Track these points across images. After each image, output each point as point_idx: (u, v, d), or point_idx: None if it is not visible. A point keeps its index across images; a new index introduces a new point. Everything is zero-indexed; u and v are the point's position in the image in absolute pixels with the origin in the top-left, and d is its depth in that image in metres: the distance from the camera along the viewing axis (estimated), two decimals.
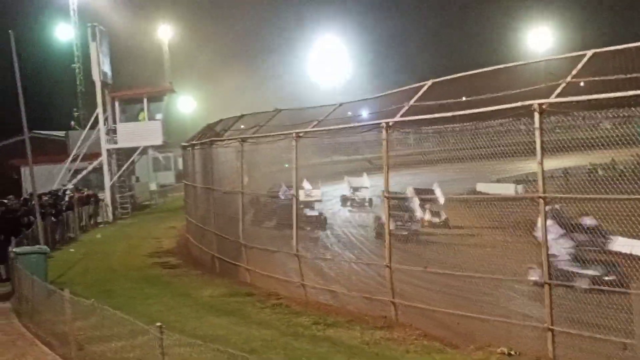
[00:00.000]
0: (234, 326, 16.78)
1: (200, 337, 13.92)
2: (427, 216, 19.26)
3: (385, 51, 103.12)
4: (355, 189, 28.62)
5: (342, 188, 29.29)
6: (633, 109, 12.26)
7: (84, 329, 14.70)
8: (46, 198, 35.58)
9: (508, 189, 20.99)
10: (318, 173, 25.78)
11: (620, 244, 15.29)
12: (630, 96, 11.76)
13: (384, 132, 16.78)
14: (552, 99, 13.08)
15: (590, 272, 14.48)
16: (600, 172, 18.50)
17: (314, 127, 20.08)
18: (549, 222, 14.51)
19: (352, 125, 20.22)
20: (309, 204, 24.98)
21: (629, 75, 12.39)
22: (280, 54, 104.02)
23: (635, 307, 12.01)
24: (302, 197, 23.35)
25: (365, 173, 27.20)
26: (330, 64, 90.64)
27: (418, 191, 20.57)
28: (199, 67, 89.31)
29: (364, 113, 22.01)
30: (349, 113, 22.62)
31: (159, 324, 10.90)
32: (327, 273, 20.45)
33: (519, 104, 13.48)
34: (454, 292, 15.55)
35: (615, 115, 12.74)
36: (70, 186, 45.85)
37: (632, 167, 13.93)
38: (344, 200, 30.48)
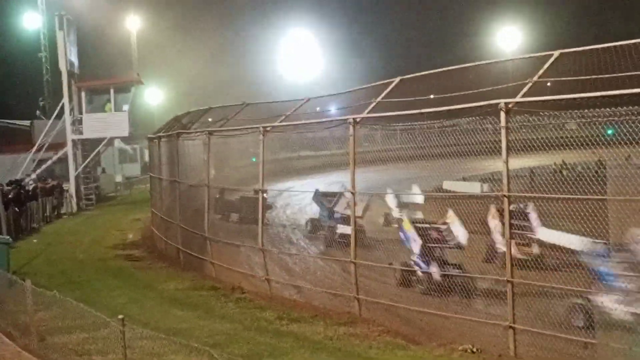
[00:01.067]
0: (198, 320, 16.72)
1: (164, 331, 13.91)
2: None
3: (356, 47, 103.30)
4: (404, 206, 21.81)
5: (310, 184, 29.14)
6: (598, 109, 12.35)
7: (46, 320, 14.59)
8: (9, 188, 35.22)
9: (474, 187, 21.10)
10: (286, 168, 25.61)
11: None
12: (596, 97, 11.88)
13: (351, 128, 16.79)
14: (519, 99, 13.18)
15: None
16: (564, 173, 18.74)
17: (281, 121, 20.07)
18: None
19: (319, 120, 20.21)
20: (345, 218, 20.80)
21: (594, 76, 12.51)
22: (250, 47, 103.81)
23: (595, 307, 12.18)
24: (341, 209, 22.20)
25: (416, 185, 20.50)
26: (300, 58, 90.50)
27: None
28: (168, 59, 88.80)
29: (333, 108, 22.00)
30: (318, 108, 22.60)
31: (121, 316, 10.85)
32: (292, 268, 20.47)
33: (485, 102, 13.57)
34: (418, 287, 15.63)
35: (581, 116, 12.84)
36: (33, 176, 45.41)
37: (594, 168, 14.09)
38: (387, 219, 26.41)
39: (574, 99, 12.28)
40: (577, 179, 13.27)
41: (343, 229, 20.35)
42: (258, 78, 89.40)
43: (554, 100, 12.79)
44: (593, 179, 12.91)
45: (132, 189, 60.75)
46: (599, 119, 12.48)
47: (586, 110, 12.55)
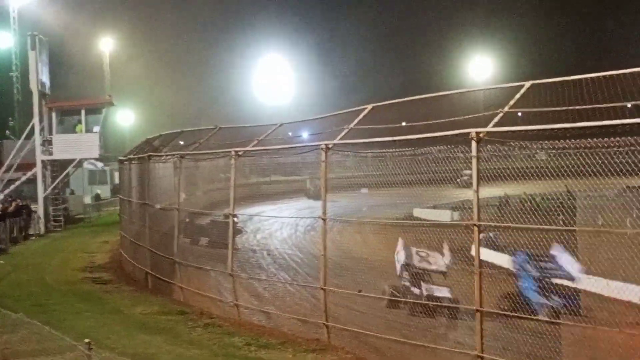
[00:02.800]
0: (165, 345, 16.59)
1: (130, 355, 13.79)
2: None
3: (328, 74, 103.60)
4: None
5: (281, 209, 29.11)
6: (568, 141, 12.46)
7: (11, 343, 14.36)
8: None
9: (444, 216, 21.13)
10: (256, 193, 25.60)
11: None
12: (566, 128, 11.99)
13: (323, 154, 16.82)
14: (490, 128, 13.26)
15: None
16: (532, 201, 18.85)
17: (253, 146, 20.06)
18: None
19: (291, 145, 20.25)
20: (425, 275, 16.83)
21: (565, 108, 12.64)
22: (225, 70, 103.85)
23: (564, 338, 12.21)
24: (415, 262, 17.22)
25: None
26: (274, 83, 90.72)
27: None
28: (140, 81, 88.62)
29: (305, 134, 22.03)
30: (290, 133, 22.63)
31: (87, 340, 10.73)
32: (261, 293, 20.36)
33: (457, 131, 13.66)
34: (387, 316, 15.59)
35: (551, 147, 12.95)
36: (0, 196, 45.00)
37: (562, 199, 14.19)
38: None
39: (545, 129, 12.39)
40: (548, 209, 13.36)
41: (428, 288, 16.47)
42: (231, 102, 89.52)
43: (524, 130, 12.89)
44: (563, 209, 13.01)
45: (101, 210, 60.36)
46: (569, 150, 12.60)
47: (556, 141, 12.65)
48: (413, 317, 15.17)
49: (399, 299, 15.95)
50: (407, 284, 16.30)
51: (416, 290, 16.07)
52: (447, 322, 14.77)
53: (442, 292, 15.88)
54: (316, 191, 19.37)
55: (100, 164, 56.19)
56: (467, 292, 13.85)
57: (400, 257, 16.73)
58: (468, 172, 14.34)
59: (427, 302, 15.37)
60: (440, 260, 16.37)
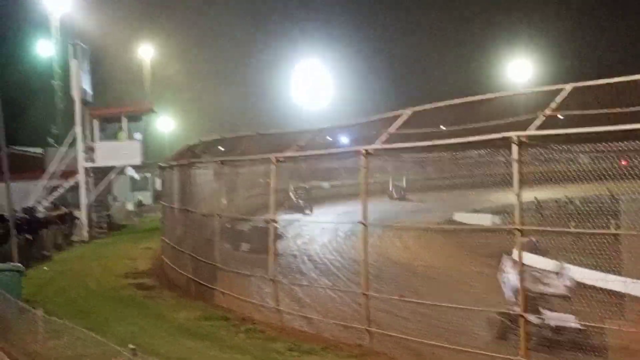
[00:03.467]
0: (208, 350, 16.69)
1: None
2: None
3: (367, 78, 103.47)
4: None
5: (320, 214, 29.17)
6: (610, 143, 12.36)
7: (56, 349, 14.56)
8: (21, 215, 35.36)
9: (485, 220, 21.05)
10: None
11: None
12: (609, 131, 11.89)
13: (362, 159, 16.81)
14: (531, 132, 13.19)
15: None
16: (573, 204, 18.68)
17: (293, 152, 20.11)
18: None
19: (331, 151, 20.28)
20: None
21: (606, 110, 12.54)
22: (263, 76, 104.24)
23: (609, 342, 12.10)
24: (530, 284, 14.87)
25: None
26: (313, 88, 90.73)
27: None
28: (181, 88, 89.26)
29: (344, 139, 22.06)
30: (329, 138, 22.68)
31: (132, 345, 10.83)
32: (302, 299, 20.40)
33: (497, 135, 13.59)
34: (429, 321, 15.55)
35: (593, 150, 12.86)
36: (45, 203, 45.53)
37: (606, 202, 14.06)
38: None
39: (587, 132, 12.29)
40: (590, 213, 13.25)
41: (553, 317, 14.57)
42: (270, 107, 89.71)
43: (566, 134, 12.80)
44: (606, 212, 12.90)
45: (143, 217, 60.84)
46: (612, 153, 12.50)
47: (599, 144, 12.56)
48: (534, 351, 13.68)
49: (511, 328, 14.10)
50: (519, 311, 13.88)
51: (536, 320, 14.07)
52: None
53: (568, 320, 14.02)
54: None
55: (136, 175, 56.44)
56: None
57: (510, 278, 14.54)
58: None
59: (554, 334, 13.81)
60: (556, 281, 14.45)
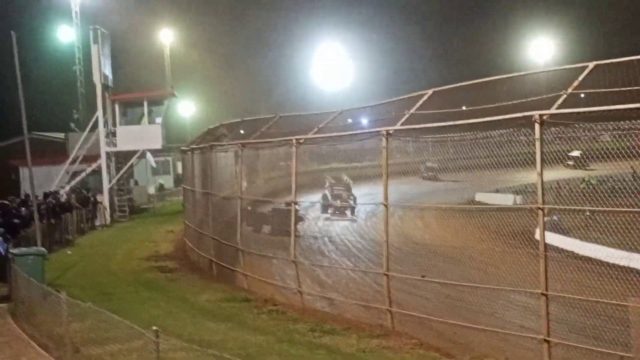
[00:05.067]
0: (231, 332, 16.75)
1: (197, 342, 13.94)
2: None
3: (388, 59, 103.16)
4: None
5: None
6: (634, 121, 12.26)
7: (80, 332, 14.66)
8: (49, 200, 35.61)
9: (507, 200, 20.93)
10: (316, 180, 25.64)
11: None
12: (632, 109, 11.77)
13: (384, 140, 16.78)
14: (553, 110, 13.08)
15: None
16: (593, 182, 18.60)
17: (314, 133, 20.10)
18: None
19: (352, 132, 20.22)
20: None
21: (629, 88, 12.41)
22: (283, 58, 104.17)
23: (632, 321, 12.01)
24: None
25: None
26: (333, 70, 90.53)
27: None
28: (201, 71, 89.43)
29: (364, 120, 21.99)
30: (349, 120, 22.62)
31: (155, 327, 10.88)
32: (324, 280, 20.45)
33: (519, 114, 13.48)
34: (451, 301, 15.54)
35: (616, 128, 12.75)
36: (67, 188, 45.82)
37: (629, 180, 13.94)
38: None
39: (609, 110, 12.19)
40: (610, 191, 13.15)
41: None
42: (291, 89, 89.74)
43: (588, 112, 12.70)
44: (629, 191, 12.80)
45: (165, 200, 61.09)
46: (635, 131, 12.39)
47: (621, 122, 12.45)
48: None
49: None
50: None
51: None
52: None
53: None
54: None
55: (153, 163, 56.57)
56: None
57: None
58: (575, 153, 14.16)
59: None
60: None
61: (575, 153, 17.15)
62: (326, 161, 25.99)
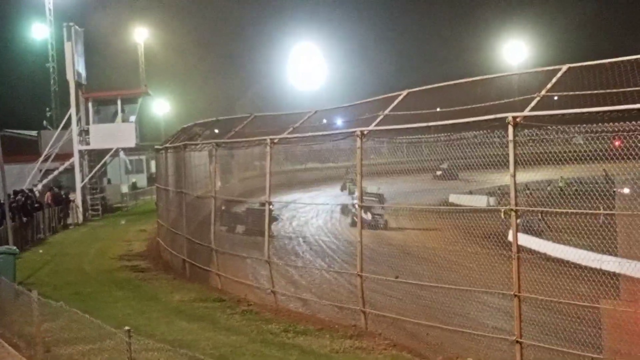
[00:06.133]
0: (203, 331, 16.70)
1: (169, 342, 13.89)
2: None
3: (363, 60, 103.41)
4: None
5: (315, 196, 29.00)
6: (606, 124, 12.33)
7: (51, 331, 14.55)
8: (19, 197, 35.32)
9: (480, 201, 21.04)
10: (291, 180, 25.66)
11: None
12: (604, 111, 11.86)
13: (358, 140, 16.79)
14: (526, 112, 13.14)
15: None
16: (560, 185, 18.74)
17: (288, 133, 20.08)
18: None
19: (326, 133, 20.22)
20: None
21: (602, 91, 12.50)
22: (258, 58, 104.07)
23: (604, 322, 12.10)
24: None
25: None
26: (308, 70, 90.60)
27: None
28: (176, 70, 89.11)
29: (340, 121, 22.00)
30: (324, 120, 22.62)
31: (127, 327, 10.81)
32: (298, 280, 20.44)
33: (493, 116, 13.54)
34: (424, 302, 15.56)
35: (588, 131, 12.82)
36: (39, 186, 45.49)
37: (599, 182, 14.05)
38: None
39: (582, 113, 12.27)
40: (583, 193, 13.23)
41: None
42: (266, 89, 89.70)
43: (561, 114, 12.77)
44: (601, 193, 12.87)
45: (138, 199, 60.82)
46: (606, 134, 12.47)
47: (593, 125, 12.53)
48: None
49: None
50: None
51: None
52: None
53: None
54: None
55: (127, 161, 55.80)
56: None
57: None
58: (444, 165, 14.30)
59: None
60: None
61: (444, 165, 17.45)
62: (301, 161, 25.98)
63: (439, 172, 16.96)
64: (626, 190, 12.55)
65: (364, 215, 20.47)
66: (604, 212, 12.42)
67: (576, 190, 13.34)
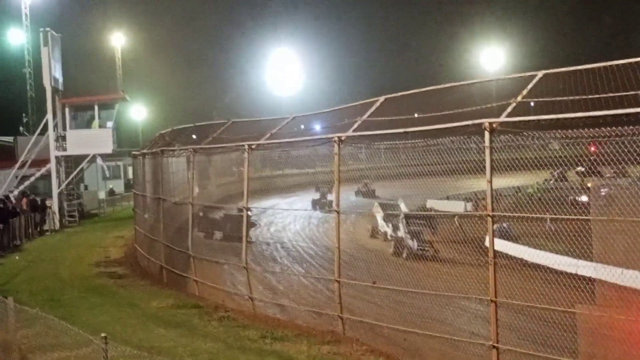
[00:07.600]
0: (181, 338, 16.64)
1: (146, 349, 13.85)
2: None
3: (340, 66, 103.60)
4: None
5: (294, 202, 29.02)
6: (581, 130, 12.43)
7: (27, 338, 14.45)
8: None
9: (457, 207, 21.12)
10: (269, 185, 25.60)
11: None
12: (579, 117, 11.95)
13: (335, 146, 16.81)
14: (502, 118, 13.22)
15: None
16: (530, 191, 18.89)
17: (266, 139, 20.08)
18: None
19: (304, 138, 20.23)
20: None
21: (577, 97, 12.59)
22: (236, 63, 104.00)
23: (579, 327, 12.18)
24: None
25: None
26: (285, 75, 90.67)
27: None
28: (153, 75, 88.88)
29: (318, 126, 22.02)
30: (302, 126, 22.63)
31: (103, 334, 10.76)
32: (275, 286, 20.42)
33: (470, 122, 13.60)
34: (402, 308, 15.60)
35: (564, 136, 12.91)
36: (15, 193, 45.18)
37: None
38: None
39: (557, 119, 12.35)
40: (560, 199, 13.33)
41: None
42: (244, 95, 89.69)
43: (537, 120, 12.85)
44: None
45: (115, 206, 60.56)
46: (582, 139, 12.57)
47: (569, 131, 12.62)
48: None
49: None
50: None
51: None
52: None
53: None
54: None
55: (105, 166, 55.67)
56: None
57: None
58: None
59: None
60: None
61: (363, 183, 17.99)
62: (279, 167, 25.96)
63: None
64: (584, 199, 12.70)
65: (409, 243, 18.82)
66: (578, 218, 12.50)
67: (540, 198, 13.45)
